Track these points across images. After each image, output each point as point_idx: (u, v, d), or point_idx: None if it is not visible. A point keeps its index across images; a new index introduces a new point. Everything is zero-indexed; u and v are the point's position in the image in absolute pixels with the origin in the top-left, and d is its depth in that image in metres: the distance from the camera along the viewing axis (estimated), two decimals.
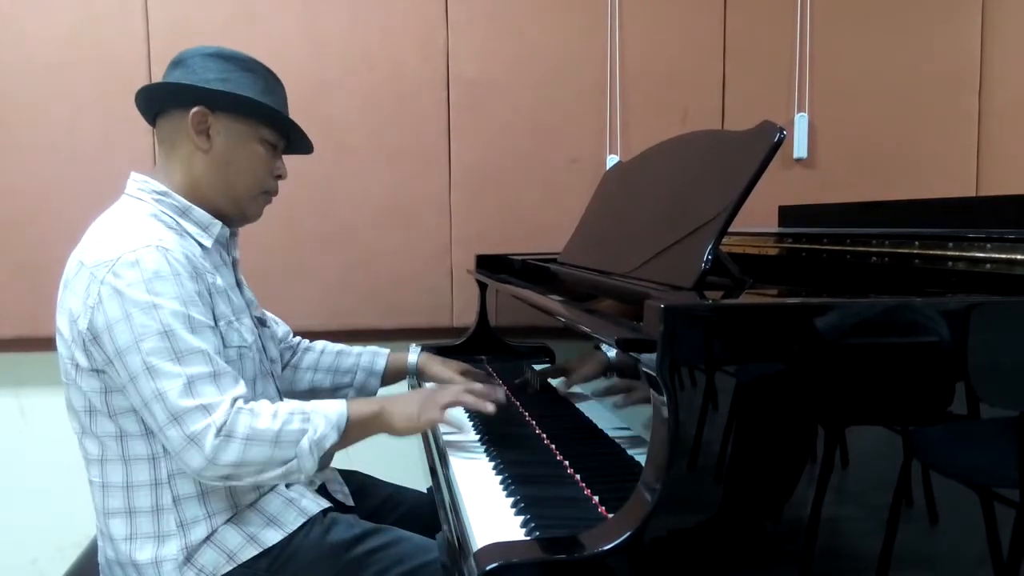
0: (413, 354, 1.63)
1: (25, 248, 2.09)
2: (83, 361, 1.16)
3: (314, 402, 1.24)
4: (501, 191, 2.23)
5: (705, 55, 2.26)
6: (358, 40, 2.16)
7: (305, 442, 1.16)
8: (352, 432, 1.23)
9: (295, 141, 1.37)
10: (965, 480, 0.91)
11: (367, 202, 2.19)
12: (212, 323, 1.19)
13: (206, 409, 1.11)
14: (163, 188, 1.26)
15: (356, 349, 1.64)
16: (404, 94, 2.18)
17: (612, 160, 2.22)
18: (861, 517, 0.89)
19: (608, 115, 2.24)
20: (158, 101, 1.28)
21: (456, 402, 1.31)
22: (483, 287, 2.03)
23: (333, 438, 1.20)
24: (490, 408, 1.30)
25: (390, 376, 1.63)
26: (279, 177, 1.35)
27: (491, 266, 2.02)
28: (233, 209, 1.31)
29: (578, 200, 1.84)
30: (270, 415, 1.16)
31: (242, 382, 1.19)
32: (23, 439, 2.22)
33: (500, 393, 1.35)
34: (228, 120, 1.26)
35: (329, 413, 1.21)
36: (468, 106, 2.20)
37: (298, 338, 1.64)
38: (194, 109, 1.24)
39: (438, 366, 1.60)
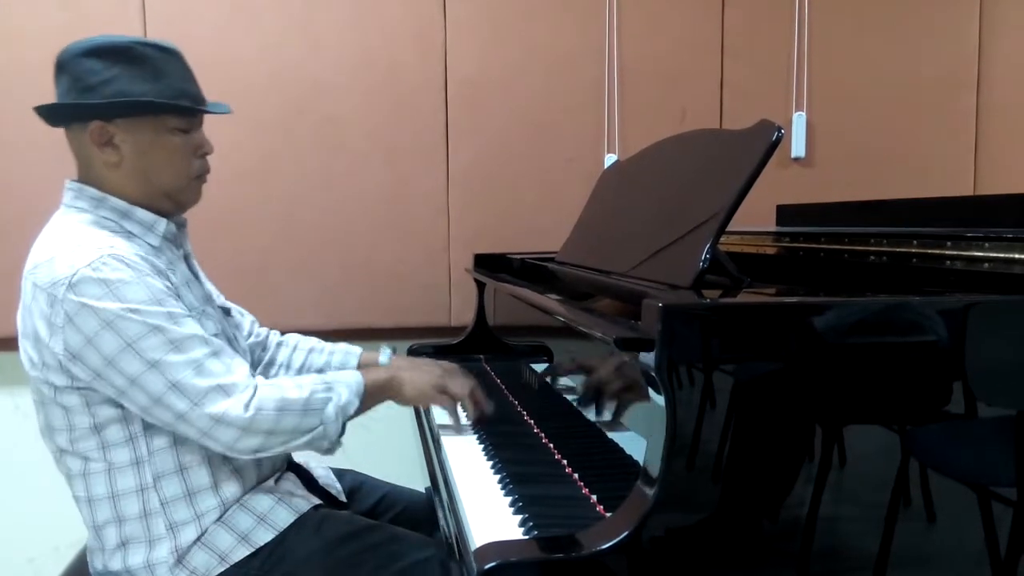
0: (384, 356, 1.57)
1: (21, 248, 2.07)
2: (61, 381, 1.15)
3: (330, 372, 1.29)
4: (499, 190, 2.22)
5: (703, 54, 2.26)
6: (356, 39, 2.15)
7: (331, 409, 1.20)
8: (368, 399, 1.27)
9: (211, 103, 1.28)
10: (963, 479, 0.92)
11: (365, 201, 2.18)
12: (188, 312, 1.18)
13: (223, 388, 1.14)
14: (100, 194, 1.21)
15: (328, 347, 1.60)
16: (402, 93, 2.17)
17: (610, 159, 2.22)
18: (859, 516, 0.89)
19: (606, 114, 2.24)
20: (55, 120, 1.22)
21: (459, 395, 1.37)
22: (481, 286, 2.03)
23: (356, 404, 1.24)
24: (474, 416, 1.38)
25: None
26: (205, 154, 1.28)
27: (489, 265, 2.02)
28: (169, 204, 1.26)
29: (576, 199, 1.84)
30: (294, 386, 1.20)
31: (237, 355, 1.21)
32: (20, 438, 2.21)
33: (490, 408, 1.41)
34: (129, 124, 1.20)
35: (349, 381, 1.25)
36: (466, 105, 2.20)
37: (265, 329, 1.60)
38: (91, 126, 1.18)
39: None
